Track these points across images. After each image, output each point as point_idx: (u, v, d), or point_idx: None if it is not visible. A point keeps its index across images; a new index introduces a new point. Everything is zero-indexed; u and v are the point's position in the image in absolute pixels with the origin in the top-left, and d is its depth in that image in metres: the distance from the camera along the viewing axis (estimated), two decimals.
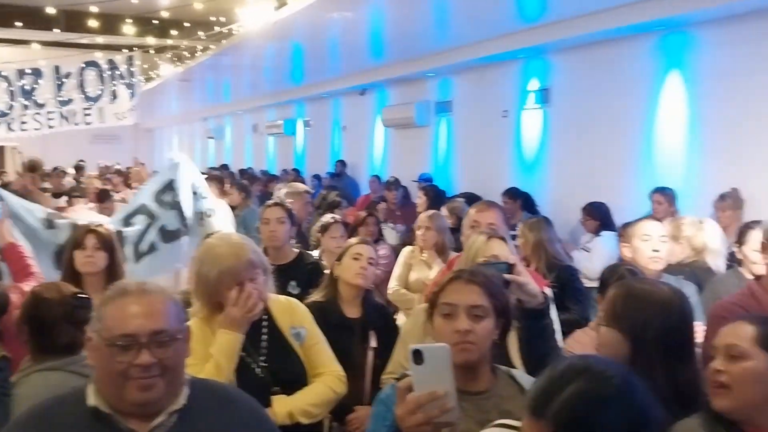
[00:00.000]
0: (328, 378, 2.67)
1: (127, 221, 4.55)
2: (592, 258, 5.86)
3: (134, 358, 1.71)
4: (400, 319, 4.40)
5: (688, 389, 2.04)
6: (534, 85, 9.07)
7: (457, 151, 10.79)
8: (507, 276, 2.30)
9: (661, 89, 7.23)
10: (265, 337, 2.65)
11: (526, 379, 2.03)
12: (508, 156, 9.54)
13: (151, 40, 11.58)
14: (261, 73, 14.23)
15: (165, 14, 10.38)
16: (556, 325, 3.43)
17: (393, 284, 4.77)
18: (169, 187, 4.58)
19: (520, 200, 7.84)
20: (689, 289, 3.45)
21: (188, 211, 4.55)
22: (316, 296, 3.35)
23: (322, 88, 13.98)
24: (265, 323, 2.67)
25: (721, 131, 6.62)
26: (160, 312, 1.77)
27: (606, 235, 6.18)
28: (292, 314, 2.72)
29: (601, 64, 7.99)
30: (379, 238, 5.76)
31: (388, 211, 8.46)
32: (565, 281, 4.64)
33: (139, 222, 4.54)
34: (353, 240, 3.63)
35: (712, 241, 4.26)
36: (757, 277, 2.53)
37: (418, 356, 1.69)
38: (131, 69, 9.74)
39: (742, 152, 6.39)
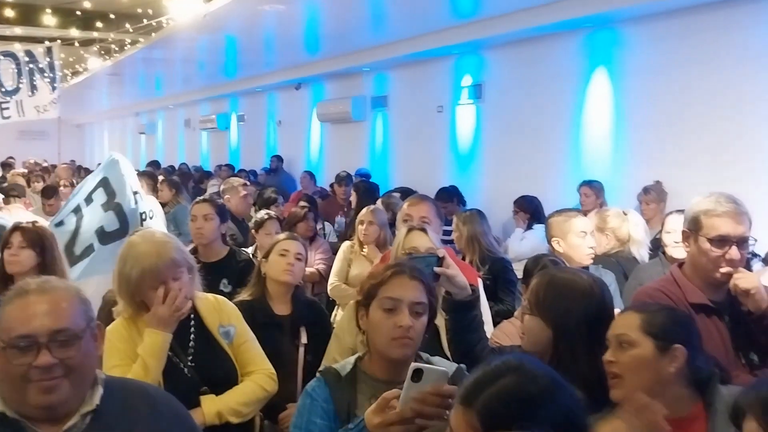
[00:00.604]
0: (258, 376, 2.64)
1: (60, 222, 4.37)
2: (521, 249, 5.99)
3: (34, 359, 1.64)
4: (340, 314, 4.42)
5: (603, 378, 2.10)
6: (467, 80, 9.18)
7: (394, 146, 10.83)
8: (436, 269, 2.33)
9: (588, 85, 7.42)
10: (192, 336, 2.61)
11: (445, 365, 2.04)
12: (444, 151, 9.64)
13: (74, 32, 11.18)
14: (193, 66, 13.97)
15: (87, 5, 10.03)
16: (488, 317, 3.50)
17: (333, 279, 4.75)
18: (107, 186, 4.38)
19: (455, 198, 7.94)
20: (608, 278, 3.56)
21: (128, 211, 4.36)
22: (243, 295, 3.30)
23: (257, 82, 13.81)
24: (192, 322, 2.63)
25: (645, 126, 6.84)
26: (61, 310, 1.69)
27: (537, 228, 6.30)
28: (221, 313, 2.68)
29: (532, 61, 8.14)
30: (317, 233, 5.74)
31: (338, 206, 8.40)
32: (498, 273, 4.73)
33: (70, 223, 4.37)
34: (281, 236, 3.57)
35: (636, 232, 4.39)
36: (680, 264, 2.59)
37: (417, 374, 1.72)
38: (51, 61, 9.40)
39: (665, 146, 6.61)
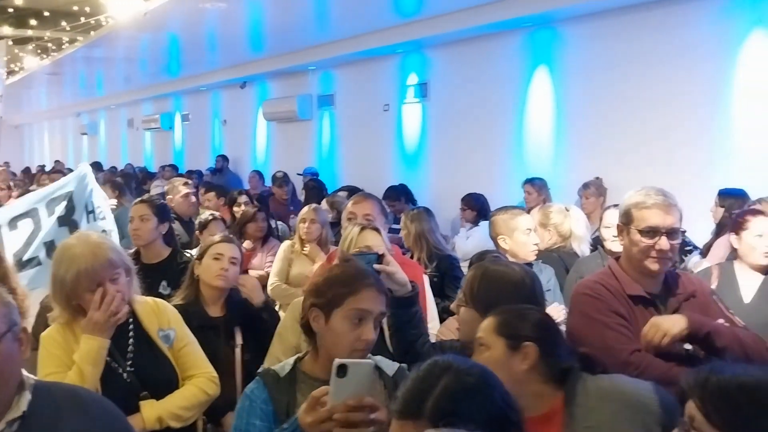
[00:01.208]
0: (199, 380, 2.61)
1: (13, 223, 4.23)
2: (467, 246, 6.04)
3: None
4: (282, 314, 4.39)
5: None
6: (413, 79, 9.23)
7: (341, 144, 10.82)
8: (376, 266, 2.34)
9: (530, 83, 7.54)
10: (131, 341, 2.56)
11: (385, 364, 2.07)
12: (391, 149, 9.66)
13: (7, 30, 10.81)
14: (135, 65, 13.70)
15: (19, 2, 9.69)
16: (434, 313, 3.53)
17: (273, 280, 4.70)
18: (70, 200, 4.25)
19: (403, 197, 7.97)
20: (548, 273, 3.64)
21: (83, 229, 4.22)
22: (176, 298, 3.23)
23: (201, 80, 13.63)
24: (131, 327, 2.58)
25: (585, 123, 6.99)
26: None
27: (483, 225, 6.37)
28: (160, 316, 2.64)
29: (475, 60, 8.23)
30: (270, 234, 5.66)
31: (279, 207, 8.32)
32: (445, 270, 4.76)
33: (25, 227, 4.24)
34: (215, 237, 3.50)
35: (577, 228, 4.47)
36: (617, 257, 2.65)
37: (342, 370, 1.72)
38: None
39: (604, 143, 6.76)
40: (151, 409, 2.47)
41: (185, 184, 6.04)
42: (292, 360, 2.11)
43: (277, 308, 4.48)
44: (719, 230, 4.54)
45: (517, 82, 7.66)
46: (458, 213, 7.13)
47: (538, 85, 7.48)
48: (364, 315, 1.95)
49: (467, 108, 8.34)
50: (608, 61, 6.72)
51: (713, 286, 3.39)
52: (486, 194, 6.90)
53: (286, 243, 4.83)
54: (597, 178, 6.41)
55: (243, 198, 6.21)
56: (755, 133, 5.70)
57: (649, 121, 6.35)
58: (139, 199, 4.43)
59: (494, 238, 3.69)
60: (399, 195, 7.92)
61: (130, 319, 2.58)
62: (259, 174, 10.77)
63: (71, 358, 2.43)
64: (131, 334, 2.57)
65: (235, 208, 6.10)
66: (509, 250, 3.57)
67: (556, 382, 1.94)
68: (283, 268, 4.70)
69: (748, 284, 3.48)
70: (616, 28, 6.65)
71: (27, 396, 1.71)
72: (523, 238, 3.58)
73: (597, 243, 4.49)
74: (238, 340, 3.18)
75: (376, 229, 2.88)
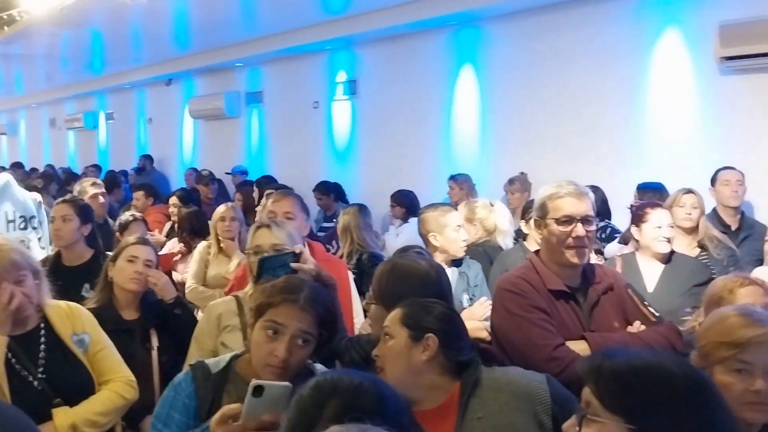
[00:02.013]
0: (115, 384, 2.55)
1: None
2: (397, 243, 6.07)
3: None
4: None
5: None
6: (342, 76, 9.20)
7: (270, 142, 10.71)
8: (293, 264, 2.32)
9: (456, 81, 7.64)
10: (43, 347, 2.47)
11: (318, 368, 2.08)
12: (321, 147, 9.62)
13: None
14: (56, 62, 13.23)
15: None
16: (359, 308, 3.52)
17: (190, 282, 4.58)
18: None
19: (333, 193, 7.94)
20: (476, 268, 3.69)
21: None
22: (90, 302, 3.14)
23: (125, 78, 13.28)
24: (42, 332, 2.49)
25: (510, 120, 7.12)
26: None
27: (413, 221, 6.39)
28: (74, 320, 2.56)
29: (403, 57, 8.27)
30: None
31: (205, 206, 8.17)
32: (363, 267, 4.78)
33: None
34: (130, 239, 3.43)
35: (502, 223, 4.55)
36: (537, 251, 2.71)
37: (258, 391, 1.71)
38: None
39: (528, 139, 6.90)
40: (64, 417, 2.39)
41: (93, 184, 5.83)
42: (228, 357, 2.08)
43: (197, 313, 4.40)
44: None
45: (444, 79, 7.73)
46: (388, 210, 7.16)
47: (464, 83, 7.57)
48: (278, 329, 1.92)
49: (396, 105, 8.37)
50: (531, 59, 6.86)
51: None
52: (415, 190, 6.95)
53: (203, 244, 4.72)
54: (522, 173, 6.54)
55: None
56: (669, 129, 5.92)
57: (571, 118, 6.51)
58: (61, 199, 4.29)
59: (424, 236, 3.71)
60: (329, 190, 7.89)
61: (42, 324, 2.50)
62: (196, 171, 10.55)
63: None
64: (43, 339, 2.48)
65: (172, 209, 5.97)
66: (440, 247, 3.60)
67: (454, 374, 1.96)
68: (200, 270, 4.60)
69: (650, 274, 3.66)
70: (538, 27, 6.79)
71: None
72: (453, 235, 3.62)
73: (519, 236, 4.59)
74: (154, 342, 3.12)
75: (268, 226, 2.77)
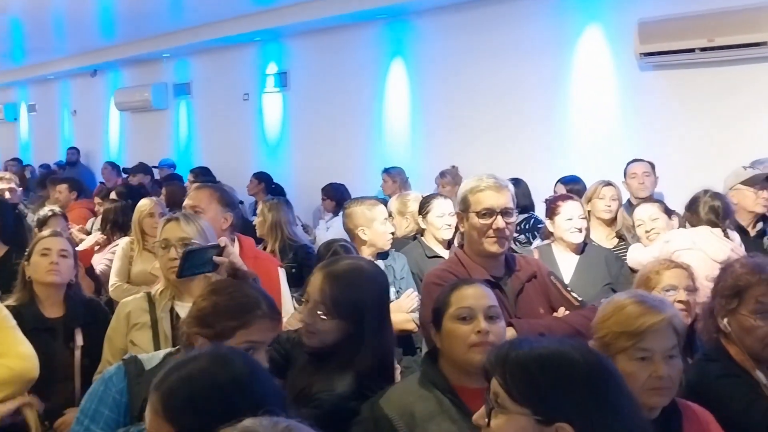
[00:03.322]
0: (6, 359, 2.47)
1: None
2: (328, 236, 6.05)
3: None
4: None
5: (384, 359, 2.17)
6: (272, 68, 9.12)
7: (200, 134, 10.53)
8: (216, 258, 2.28)
9: (387, 74, 7.67)
10: None
11: None
12: (252, 139, 9.52)
13: None
14: None
15: None
16: (289, 306, 3.49)
17: (114, 280, 4.42)
18: None
19: (264, 183, 7.86)
20: (401, 261, 3.72)
21: None
22: (9, 300, 3.05)
23: (48, 68, 12.85)
24: None
25: (441, 114, 7.20)
26: None
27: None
28: None
29: (334, 50, 8.25)
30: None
31: None
32: (302, 260, 4.75)
33: None
34: (44, 233, 3.33)
35: None
36: (461, 245, 2.75)
37: None
38: None
39: (458, 132, 6.99)
40: None
41: (1, 179, 5.59)
42: (162, 354, 2.03)
43: None
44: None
45: (375, 72, 7.75)
46: (320, 203, 7.14)
47: (394, 76, 7.60)
48: (255, 346, 1.86)
49: (327, 98, 8.34)
50: (459, 54, 6.94)
51: None
52: (347, 184, 6.95)
53: (125, 240, 4.58)
54: (453, 166, 6.60)
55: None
56: (591, 123, 6.09)
57: (498, 112, 6.63)
58: None
59: (351, 230, 3.70)
60: (262, 179, 7.81)
61: None
62: (112, 165, 10.23)
63: None
64: None
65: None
66: (368, 241, 3.62)
67: None
68: (123, 267, 4.46)
69: (566, 265, 3.77)
70: (467, 22, 6.87)
71: None
72: (381, 228, 3.64)
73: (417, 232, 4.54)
74: (78, 341, 3.03)
75: (177, 219, 2.71)
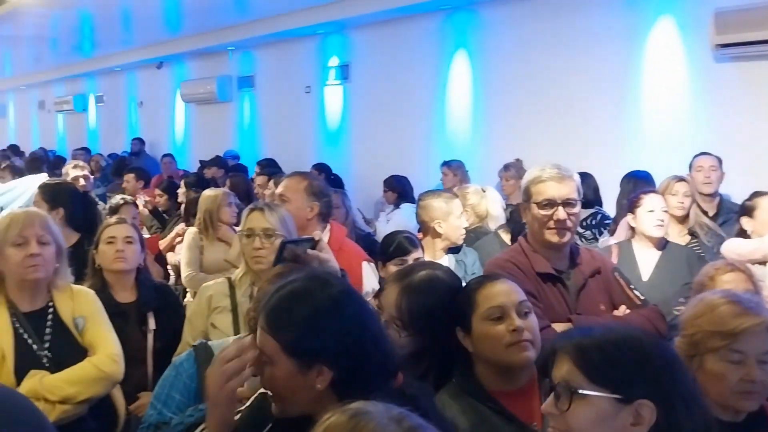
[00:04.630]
0: (95, 357, 2.54)
1: None
2: (389, 228, 6.03)
3: None
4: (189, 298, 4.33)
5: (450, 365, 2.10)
6: (334, 61, 9.15)
7: (262, 127, 10.65)
8: (310, 252, 2.32)
9: (450, 65, 7.59)
10: (49, 323, 2.53)
11: None
12: (313, 131, 9.58)
13: None
14: (45, 44, 13.09)
15: None
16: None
17: (188, 271, 4.51)
18: None
19: (323, 174, 7.88)
20: (473, 256, 3.69)
21: None
22: (83, 286, 3.13)
23: (115, 60, 13.17)
24: (50, 311, 2.55)
25: (505, 106, 7.08)
26: None
27: (404, 207, 6.36)
28: (75, 303, 2.60)
29: (396, 42, 8.21)
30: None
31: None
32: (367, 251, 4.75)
33: None
34: (109, 220, 3.41)
35: (494, 208, 4.55)
36: (524, 235, 2.72)
37: None
38: None
39: (523, 125, 6.87)
40: (32, 381, 2.41)
41: (75, 167, 5.74)
42: (231, 340, 2.06)
43: (188, 298, 4.37)
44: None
45: (437, 64, 7.69)
46: (380, 195, 7.13)
47: (458, 67, 7.53)
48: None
49: (389, 90, 8.32)
50: (526, 45, 6.82)
51: None
52: (408, 176, 6.92)
53: (192, 230, 4.64)
54: (517, 159, 6.51)
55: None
56: (663, 117, 5.91)
57: (565, 104, 6.49)
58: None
59: (426, 222, 3.66)
60: (320, 171, 7.82)
61: (50, 304, 2.55)
62: (171, 157, 10.41)
63: None
64: (50, 318, 2.54)
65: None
66: (443, 234, 3.59)
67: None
68: (194, 257, 4.53)
69: (646, 262, 3.69)
70: (534, 12, 6.75)
71: None
72: (456, 222, 3.64)
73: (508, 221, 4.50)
74: (151, 325, 3.10)
75: (261, 209, 2.77)
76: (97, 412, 2.52)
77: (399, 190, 6.74)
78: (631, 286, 2.68)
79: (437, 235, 3.59)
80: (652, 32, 5.92)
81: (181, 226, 5.31)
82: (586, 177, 4.98)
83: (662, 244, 3.73)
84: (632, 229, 3.81)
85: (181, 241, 5.04)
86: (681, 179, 4.29)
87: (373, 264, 3.27)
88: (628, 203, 3.93)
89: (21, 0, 8.94)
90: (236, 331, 2.57)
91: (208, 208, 4.59)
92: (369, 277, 3.23)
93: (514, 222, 4.05)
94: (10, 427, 1.70)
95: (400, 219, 6.12)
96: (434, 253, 3.57)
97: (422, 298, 2.07)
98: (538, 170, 2.60)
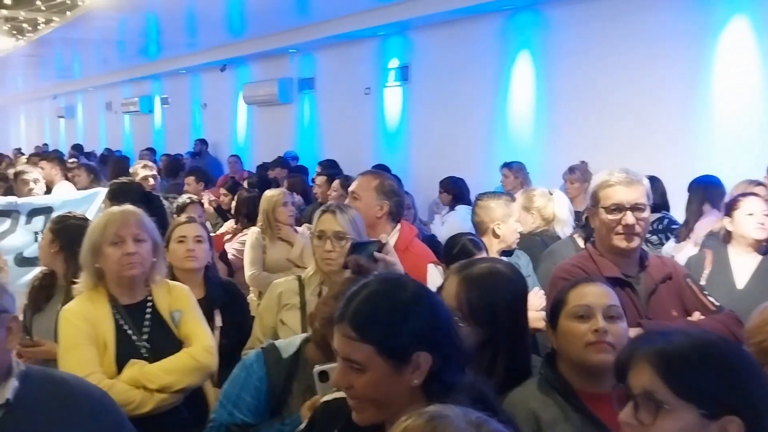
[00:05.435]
0: (190, 348, 2.61)
1: None
2: (443, 230, 5.98)
3: None
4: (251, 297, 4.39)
5: (524, 364, 2.09)
6: (394, 62, 9.17)
7: (322, 128, 10.74)
8: (376, 254, 2.33)
9: (512, 66, 7.51)
10: (148, 316, 2.62)
11: None
12: (372, 133, 9.61)
13: None
14: (113, 47, 13.49)
15: None
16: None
17: (251, 270, 4.58)
18: (46, 216, 4.23)
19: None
20: (525, 259, 3.64)
21: None
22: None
23: (180, 63, 13.48)
24: (149, 305, 2.64)
25: (570, 107, 6.97)
26: None
27: (460, 208, 6.30)
28: (172, 297, 2.69)
29: (457, 43, 8.17)
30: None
31: None
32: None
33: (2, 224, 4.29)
34: (180, 219, 3.49)
35: (560, 212, 4.44)
36: (593, 242, 2.68)
37: (323, 376, 1.81)
38: None
39: (588, 127, 6.75)
40: (131, 370, 2.48)
41: (144, 166, 5.90)
42: (298, 340, 2.11)
43: (251, 296, 4.42)
44: (689, 216, 4.62)
45: (499, 65, 7.62)
46: (436, 197, 7.10)
47: (520, 69, 7.44)
48: None
49: (449, 91, 8.29)
50: (592, 45, 6.70)
51: (706, 272, 3.49)
52: (466, 178, 6.86)
53: (255, 230, 4.71)
54: (582, 162, 6.39)
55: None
56: (734, 120, 5.73)
57: (632, 106, 6.35)
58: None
59: (485, 223, 3.63)
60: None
61: (149, 297, 2.64)
62: (237, 158, 10.69)
63: (94, 329, 2.48)
64: (149, 311, 2.62)
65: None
66: (501, 236, 3.57)
67: None
68: (257, 256, 4.59)
69: (742, 269, 3.57)
70: (600, 12, 6.63)
71: (13, 384, 1.71)
72: (514, 225, 3.64)
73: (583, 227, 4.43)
74: (218, 322, 3.16)
75: (333, 211, 2.78)
76: (190, 403, 2.58)
77: (455, 191, 6.68)
78: (705, 293, 2.62)
79: (495, 236, 3.57)
80: (724, 32, 5.74)
81: (230, 223, 5.41)
82: (653, 181, 4.79)
83: (764, 249, 3.60)
84: (728, 233, 3.70)
85: (230, 239, 5.14)
86: (759, 184, 4.16)
87: (440, 267, 3.25)
88: (726, 206, 3.84)
89: (91, 4, 9.22)
90: (304, 329, 2.60)
91: (266, 208, 4.67)
92: (433, 279, 3.20)
93: (589, 227, 3.96)
94: (91, 421, 1.76)
95: (455, 221, 6.06)
96: (490, 255, 3.53)
97: (482, 289, 2.07)
98: (607, 174, 2.57)
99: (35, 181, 5.85)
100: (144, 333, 2.57)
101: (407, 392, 1.46)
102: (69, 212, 3.65)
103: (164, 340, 2.59)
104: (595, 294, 1.99)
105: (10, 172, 6.70)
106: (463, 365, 1.53)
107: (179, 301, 2.69)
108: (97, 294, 2.58)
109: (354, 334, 1.47)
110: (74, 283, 2.84)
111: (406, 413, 1.19)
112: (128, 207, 2.66)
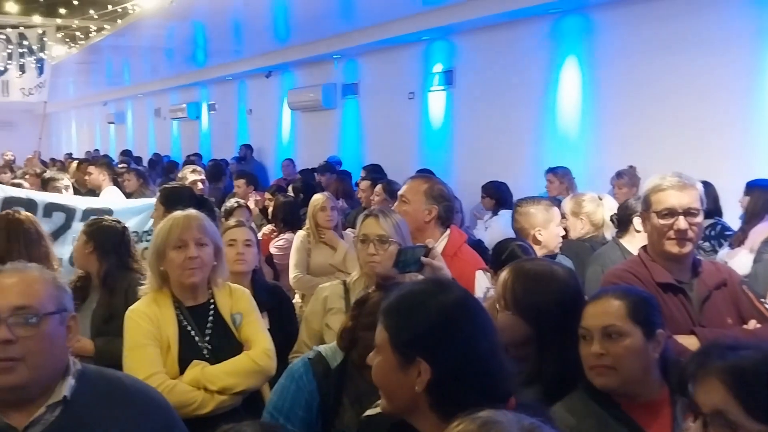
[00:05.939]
0: (251, 351, 2.64)
1: (48, 211, 4.40)
2: (486, 236, 5.92)
3: None
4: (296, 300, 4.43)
5: (573, 369, 2.03)
6: (438, 67, 9.14)
7: (365, 133, 10.77)
8: (423, 259, 2.32)
9: (559, 71, 7.42)
10: (211, 318, 2.65)
11: None
12: (415, 137, 9.60)
13: (37, 19, 10.93)
14: (162, 54, 13.76)
15: None
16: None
17: (295, 272, 4.61)
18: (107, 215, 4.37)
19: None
20: (568, 264, 3.54)
21: None
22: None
23: (227, 70, 13.66)
24: (211, 307, 2.68)
25: (617, 112, 6.85)
26: (29, 289, 1.69)
27: (503, 213, 6.23)
28: (233, 300, 2.72)
29: (502, 47, 8.11)
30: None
31: None
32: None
33: (57, 221, 4.40)
34: (229, 223, 3.52)
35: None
36: (644, 247, 2.64)
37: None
38: (42, 45, 9.45)
39: (637, 131, 6.63)
40: (193, 371, 2.52)
41: (193, 171, 5.99)
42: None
43: (296, 299, 4.45)
44: (748, 220, 4.51)
45: (545, 69, 7.53)
46: (478, 202, 7.04)
47: (567, 73, 7.35)
48: None
49: (493, 96, 8.23)
50: (640, 49, 6.58)
51: None
52: (510, 183, 6.78)
53: (301, 233, 4.75)
54: (630, 167, 6.27)
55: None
56: None
57: (682, 110, 6.22)
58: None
59: (525, 229, 3.58)
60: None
61: (211, 300, 2.68)
62: (291, 162, 10.94)
63: (158, 330, 2.53)
64: (211, 313, 2.66)
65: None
66: (543, 242, 3.51)
67: (662, 370, 1.96)
68: (302, 259, 4.62)
69: None
70: (648, 15, 6.51)
71: (70, 381, 1.74)
72: (556, 230, 3.57)
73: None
74: (265, 324, 3.16)
75: (376, 216, 2.79)
76: (249, 405, 2.60)
77: (497, 196, 6.59)
78: (762, 300, 2.57)
79: (536, 242, 3.51)
80: None
81: (269, 227, 5.46)
82: (706, 186, 4.66)
83: None
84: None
85: (268, 241, 5.21)
86: None
87: (488, 273, 3.21)
88: None
89: (143, 11, 9.42)
90: None
91: (311, 212, 4.70)
92: (481, 286, 3.17)
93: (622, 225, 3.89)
94: (143, 420, 1.79)
95: (499, 226, 5.99)
96: None
97: (529, 284, 2.07)
98: (659, 178, 2.54)
99: (66, 187, 6.01)
100: (206, 335, 2.61)
101: (410, 395, 1.44)
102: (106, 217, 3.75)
103: (225, 342, 2.62)
104: (593, 315, 1.96)
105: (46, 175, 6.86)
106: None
107: (240, 304, 2.72)
108: (162, 295, 2.62)
109: (381, 317, 1.52)
110: (107, 283, 2.89)
111: (414, 416, 1.23)
112: (191, 211, 2.69)
